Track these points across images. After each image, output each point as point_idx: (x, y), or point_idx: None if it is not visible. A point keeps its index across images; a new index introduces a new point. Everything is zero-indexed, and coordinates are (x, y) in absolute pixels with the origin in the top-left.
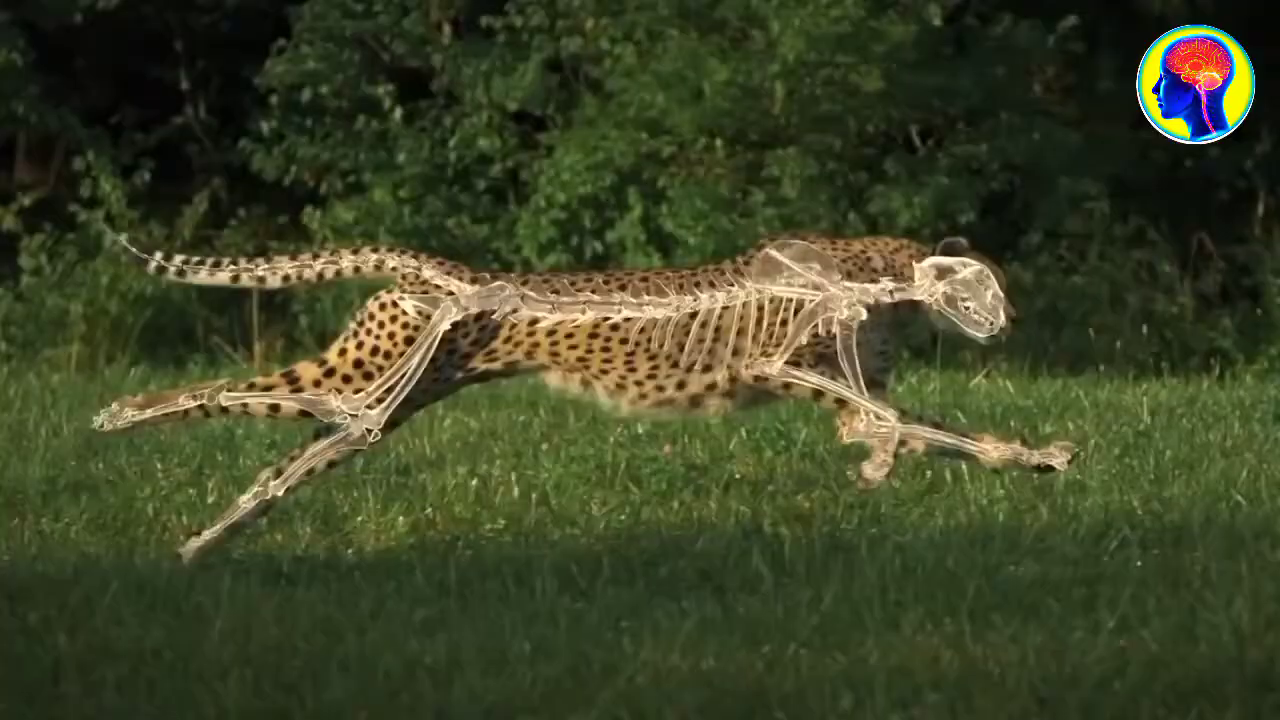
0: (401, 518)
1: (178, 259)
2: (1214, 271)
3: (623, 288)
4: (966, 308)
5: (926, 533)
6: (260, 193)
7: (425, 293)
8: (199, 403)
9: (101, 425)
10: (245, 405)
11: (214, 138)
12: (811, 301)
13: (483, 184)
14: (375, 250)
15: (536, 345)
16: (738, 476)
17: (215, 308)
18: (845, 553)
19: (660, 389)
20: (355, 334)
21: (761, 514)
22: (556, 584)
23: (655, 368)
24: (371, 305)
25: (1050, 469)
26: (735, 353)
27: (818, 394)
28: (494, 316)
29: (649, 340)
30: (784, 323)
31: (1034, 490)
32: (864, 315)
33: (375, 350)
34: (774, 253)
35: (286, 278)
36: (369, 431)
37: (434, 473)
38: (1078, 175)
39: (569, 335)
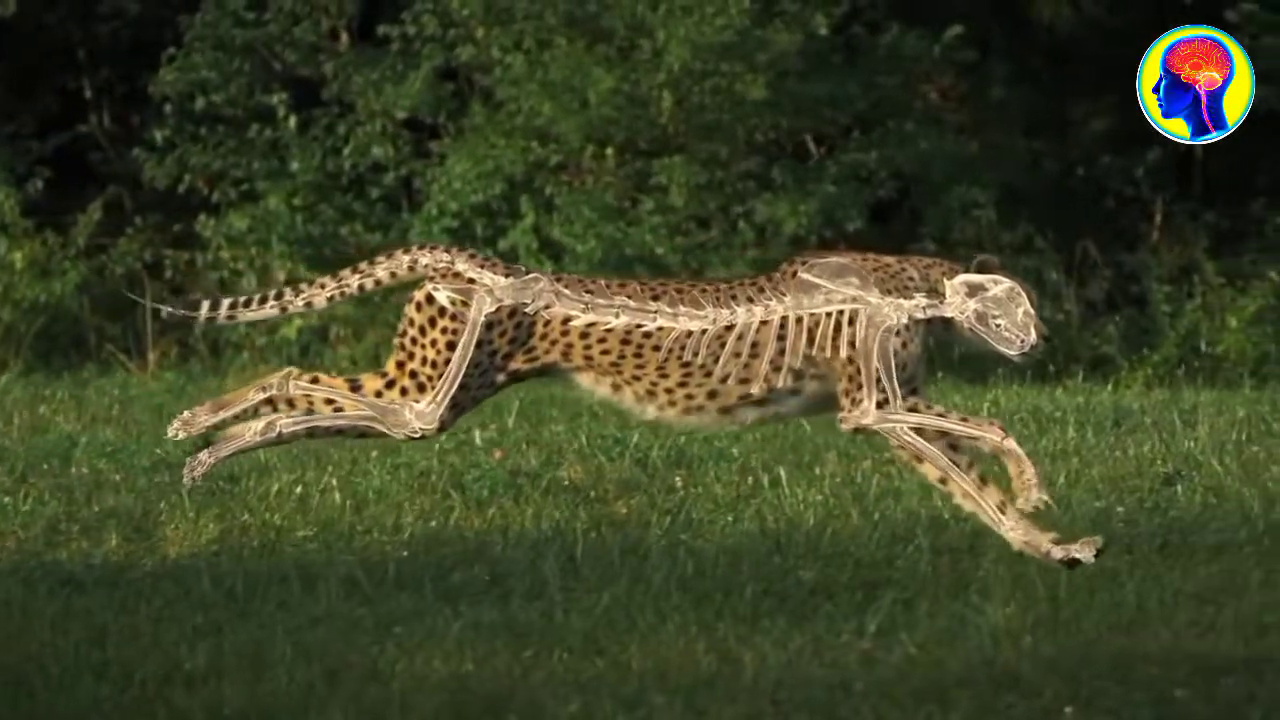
0: (213, 525)
1: (225, 304)
2: (1100, 279)
3: (657, 297)
4: (998, 325)
5: (734, 538)
6: (157, 201)
7: (457, 280)
8: (267, 394)
9: (176, 434)
10: (311, 401)
11: (115, 146)
12: (855, 318)
13: (376, 192)
14: (406, 251)
15: (571, 346)
16: (566, 483)
17: (109, 316)
18: (640, 558)
19: (690, 397)
20: (403, 346)
21: (575, 520)
22: (343, 590)
23: (688, 376)
24: (408, 309)
25: (1076, 563)
26: (775, 369)
27: (918, 430)
28: (528, 310)
29: (682, 350)
30: (825, 335)
31: (851, 496)
32: (905, 319)
33: (424, 360)
34: (806, 275)
35: (331, 298)
36: (415, 426)
37: (259, 480)
38: (967, 183)
39: (602, 339)
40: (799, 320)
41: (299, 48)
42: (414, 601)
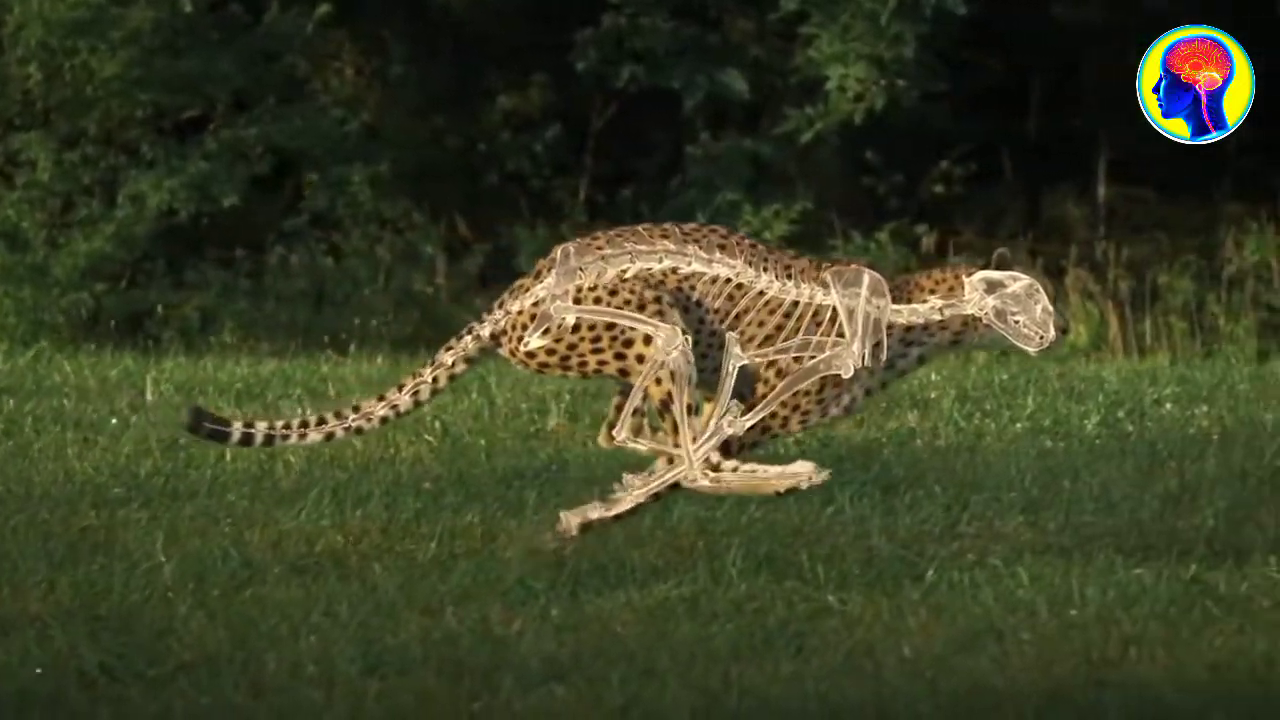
0: None
1: (262, 425)
2: (475, 254)
3: (695, 241)
4: (1017, 322)
5: None
6: None
7: (530, 320)
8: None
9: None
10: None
11: None
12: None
13: None
14: (466, 334)
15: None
16: None
17: None
18: None
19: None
20: (588, 365)
21: None
22: None
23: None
24: (532, 365)
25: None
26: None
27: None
28: (586, 287)
29: (707, 297)
30: (778, 328)
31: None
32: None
33: (614, 340)
34: (839, 270)
35: (416, 402)
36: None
37: None
38: (350, 160)
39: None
40: (807, 305)
41: None
42: None
